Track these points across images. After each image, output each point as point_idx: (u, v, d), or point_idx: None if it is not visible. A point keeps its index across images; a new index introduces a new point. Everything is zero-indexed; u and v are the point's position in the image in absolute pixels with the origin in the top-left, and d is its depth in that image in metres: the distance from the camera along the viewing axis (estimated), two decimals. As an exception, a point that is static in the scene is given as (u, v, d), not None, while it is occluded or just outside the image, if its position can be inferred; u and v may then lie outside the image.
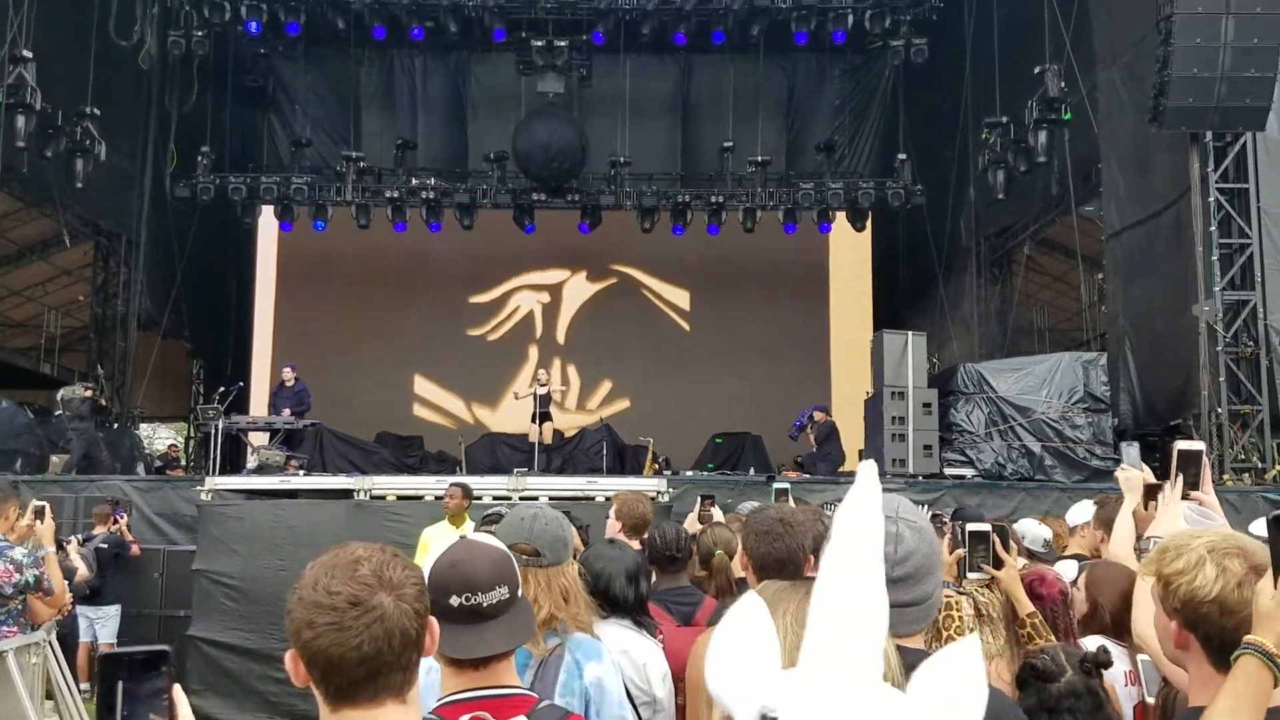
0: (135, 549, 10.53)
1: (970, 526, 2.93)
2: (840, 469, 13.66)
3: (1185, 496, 2.81)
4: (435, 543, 7.86)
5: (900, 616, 1.84)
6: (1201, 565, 1.81)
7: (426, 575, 2.02)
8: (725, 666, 0.83)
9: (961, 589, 2.95)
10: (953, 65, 17.24)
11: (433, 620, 1.57)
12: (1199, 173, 11.45)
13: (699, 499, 5.50)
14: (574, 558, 2.88)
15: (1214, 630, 1.79)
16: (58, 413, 13.56)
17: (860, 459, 13.97)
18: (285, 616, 1.51)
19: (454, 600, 1.99)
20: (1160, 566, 1.88)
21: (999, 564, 2.91)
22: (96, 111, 15.05)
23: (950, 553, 2.96)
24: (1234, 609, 1.78)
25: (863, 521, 0.85)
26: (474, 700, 2.00)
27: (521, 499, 10.37)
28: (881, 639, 0.82)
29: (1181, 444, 2.75)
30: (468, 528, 7.90)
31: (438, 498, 9.51)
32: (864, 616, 0.82)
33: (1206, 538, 1.88)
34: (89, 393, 13.26)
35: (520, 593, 2.11)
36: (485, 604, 2.00)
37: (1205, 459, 2.81)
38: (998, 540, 2.90)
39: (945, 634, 2.78)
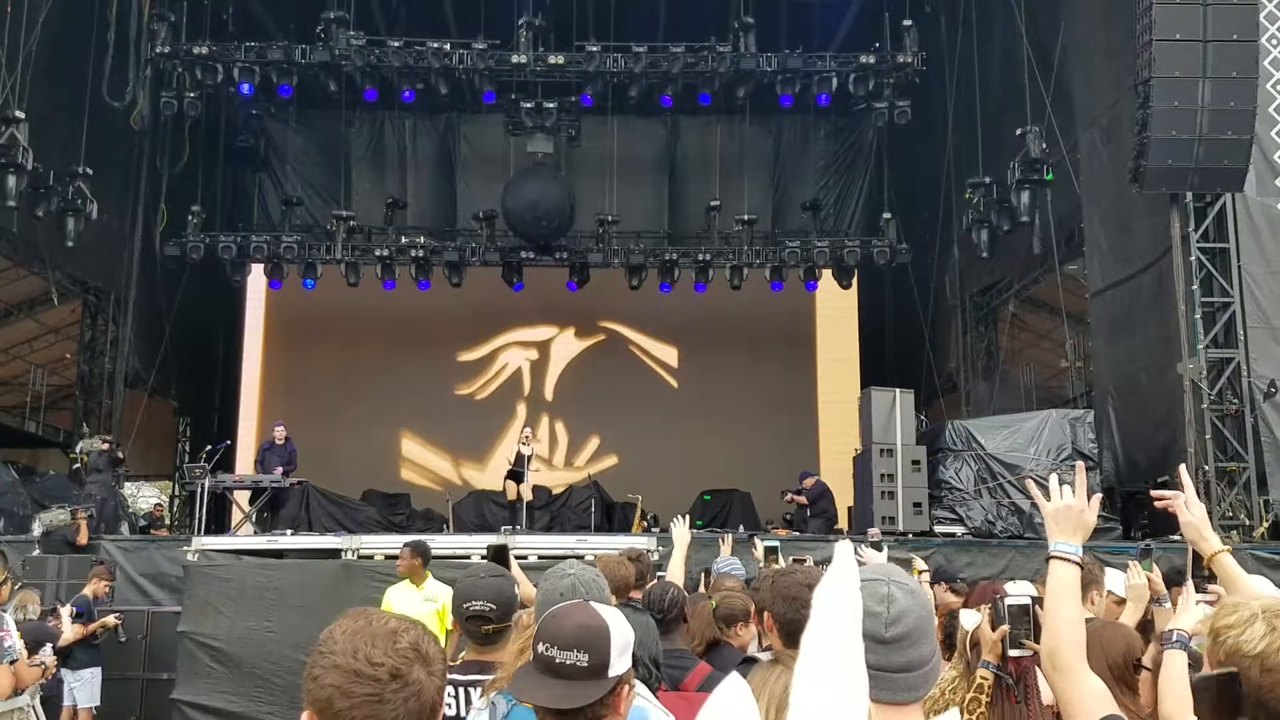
0: (112, 620, 10.13)
1: (1009, 600, 2.73)
2: (834, 528, 13.62)
3: (1201, 589, 2.82)
4: (397, 603, 7.68)
5: (897, 682, 1.79)
6: (1252, 622, 1.86)
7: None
8: None
9: (1000, 669, 2.75)
10: (935, 126, 17.52)
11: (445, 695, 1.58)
12: (1180, 232, 11.61)
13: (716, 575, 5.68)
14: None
15: (1252, 686, 1.81)
16: (75, 465, 13.51)
17: (850, 516, 14.08)
18: (308, 680, 1.46)
19: (539, 646, 2.07)
20: (1215, 621, 1.94)
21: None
22: (88, 171, 15.16)
23: (993, 629, 2.76)
24: (1274, 668, 1.80)
25: (841, 600, 0.84)
26: None
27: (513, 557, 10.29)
28: (864, 715, 0.80)
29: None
30: (430, 587, 7.77)
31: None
32: (846, 695, 0.81)
33: (1264, 600, 1.95)
34: (107, 445, 13.22)
35: (609, 673, 2.06)
36: (556, 659, 2.04)
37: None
38: (1040, 612, 2.65)
39: (969, 717, 2.70)
